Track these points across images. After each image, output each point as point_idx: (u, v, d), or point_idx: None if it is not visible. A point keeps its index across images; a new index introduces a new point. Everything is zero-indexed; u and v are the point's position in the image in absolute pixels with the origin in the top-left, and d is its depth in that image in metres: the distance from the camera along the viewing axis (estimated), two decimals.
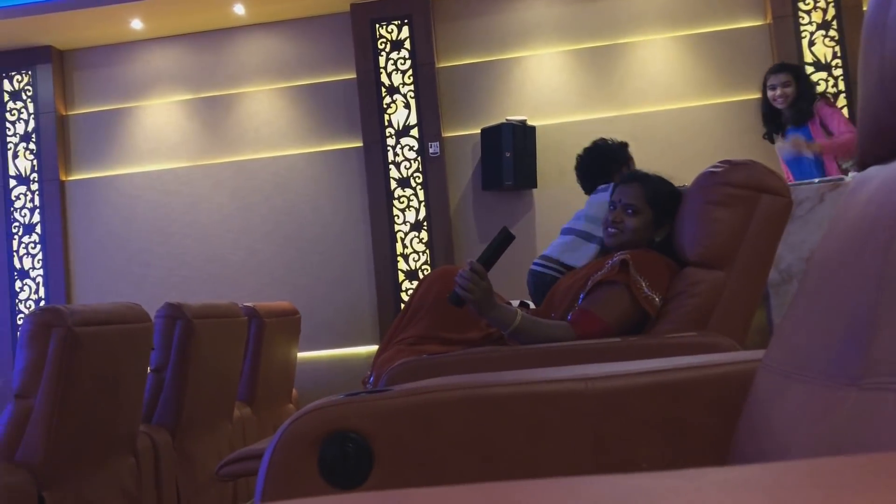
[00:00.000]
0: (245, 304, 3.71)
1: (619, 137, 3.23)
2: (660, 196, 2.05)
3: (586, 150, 3.16)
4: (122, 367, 2.45)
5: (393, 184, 4.73)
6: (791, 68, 3.96)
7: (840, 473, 0.30)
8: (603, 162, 3.08)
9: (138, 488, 2.54)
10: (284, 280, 4.86)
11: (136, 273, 4.98)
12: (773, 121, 3.95)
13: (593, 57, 4.75)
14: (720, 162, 1.98)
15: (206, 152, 5.01)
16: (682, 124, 4.64)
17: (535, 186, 4.63)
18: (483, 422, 0.91)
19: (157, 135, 5.05)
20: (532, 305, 2.53)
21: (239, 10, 4.78)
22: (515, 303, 2.30)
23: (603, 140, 3.16)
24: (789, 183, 3.50)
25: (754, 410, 0.81)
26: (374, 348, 4.66)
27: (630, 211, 2.03)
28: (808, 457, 0.61)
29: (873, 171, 0.76)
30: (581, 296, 1.96)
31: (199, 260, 4.95)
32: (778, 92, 3.82)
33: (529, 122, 4.63)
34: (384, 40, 4.78)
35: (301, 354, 4.61)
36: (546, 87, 4.77)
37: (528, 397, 0.92)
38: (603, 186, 2.97)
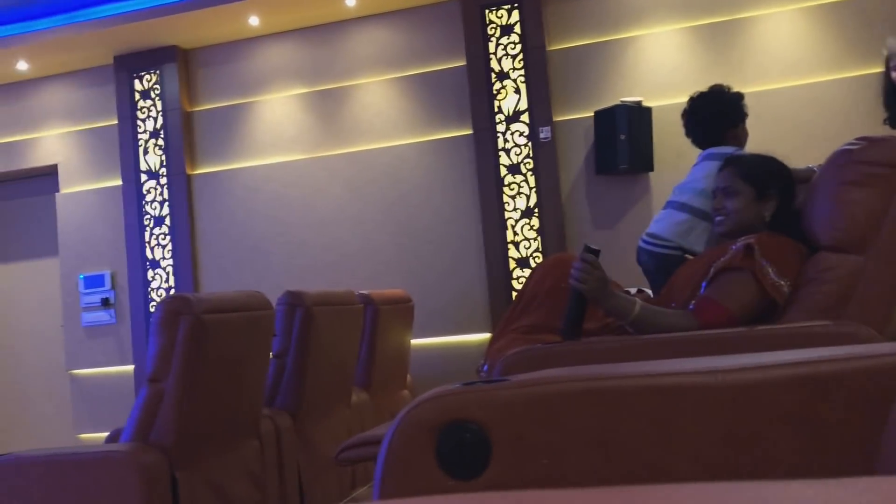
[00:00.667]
0: (360, 291, 3.79)
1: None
2: (755, 171, 1.98)
3: (701, 94, 3.00)
4: (246, 352, 2.55)
5: (503, 170, 4.70)
6: None
7: None
8: (717, 110, 2.92)
9: (262, 470, 2.63)
10: (398, 268, 4.92)
11: (257, 262, 5.17)
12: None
13: (711, 33, 4.55)
14: (857, 139, 1.84)
15: (321, 144, 5.13)
16: (809, 101, 4.38)
17: (652, 170, 4.49)
18: (605, 415, 0.88)
19: (276, 128, 5.22)
20: (649, 291, 2.45)
21: (350, 2, 4.86)
22: (633, 290, 2.23)
23: (719, 87, 3.00)
24: None
25: None
26: (486, 336, 4.66)
27: (728, 193, 1.98)
28: None
29: None
30: (703, 284, 1.88)
31: (316, 249, 5.08)
32: None
33: (645, 104, 4.49)
34: (493, 25, 4.75)
35: (414, 341, 4.67)
36: (662, 66, 4.61)
37: (653, 391, 0.88)
38: (709, 152, 2.83)
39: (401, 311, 4.22)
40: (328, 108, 5.13)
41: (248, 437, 2.63)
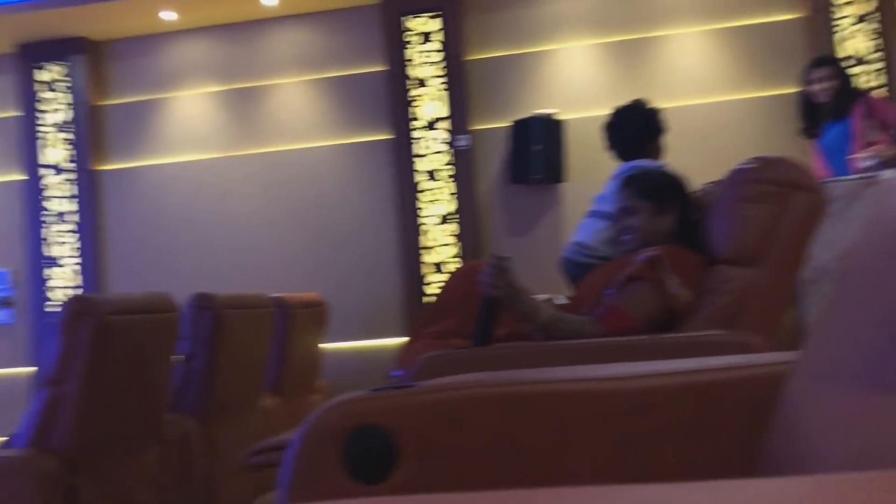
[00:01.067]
0: (273, 294, 3.74)
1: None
2: (650, 187, 2.09)
3: (624, 107, 3.08)
4: (152, 355, 2.48)
5: (421, 176, 4.73)
6: (833, 62, 3.88)
7: (881, 490, 0.29)
8: (641, 124, 3.01)
9: (166, 476, 2.57)
10: (313, 271, 4.88)
11: (167, 262, 5.04)
12: (812, 115, 3.87)
13: (624, 50, 4.70)
14: (752, 158, 1.95)
15: (236, 143, 5.04)
16: (715, 119, 4.58)
17: (564, 180, 4.60)
18: (509, 420, 0.91)
19: (189, 126, 5.10)
20: (558, 300, 2.51)
21: (271, 1, 4.80)
22: (542, 298, 2.29)
23: (639, 101, 3.08)
24: (823, 180, 3.44)
25: (786, 414, 0.79)
26: (400, 341, 4.67)
27: (629, 212, 2.08)
28: (844, 466, 0.60)
29: None
30: (609, 291, 1.95)
31: (229, 250, 4.99)
32: (821, 86, 3.75)
33: (559, 116, 4.60)
34: (414, 32, 4.77)
35: (328, 345, 4.64)
36: (576, 80, 4.73)
37: (556, 396, 0.91)
38: (621, 169, 2.92)
39: (314, 315, 4.19)
40: (244, 107, 5.05)
41: (152, 442, 2.56)
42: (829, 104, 3.77)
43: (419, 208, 4.72)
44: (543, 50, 4.77)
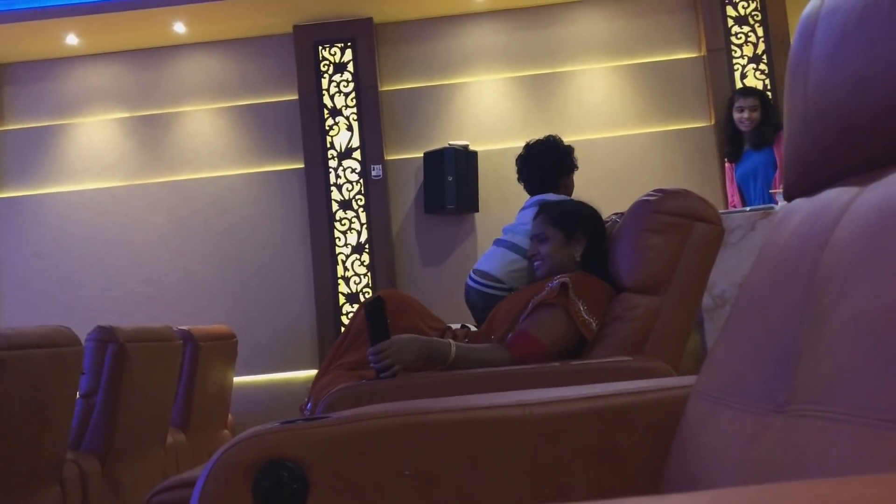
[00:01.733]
0: (180, 327, 3.63)
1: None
2: (562, 216, 2.15)
3: (538, 142, 3.13)
4: (50, 392, 2.37)
5: (335, 206, 4.71)
6: (758, 93, 4.07)
7: (766, 502, 0.31)
8: (554, 160, 3.05)
9: None
10: (222, 302, 4.77)
11: (67, 295, 4.82)
12: (735, 142, 4.05)
13: (534, 84, 4.83)
14: (654, 191, 2.03)
15: (142, 172, 4.91)
16: (620, 152, 4.75)
17: (477, 210, 4.66)
18: (421, 449, 0.91)
19: (92, 153, 4.93)
20: (472, 327, 2.53)
21: (179, 28, 4.72)
22: (457, 326, 2.30)
23: (554, 137, 3.14)
24: (720, 211, 3.59)
25: (685, 436, 0.82)
26: (313, 372, 4.60)
27: (541, 240, 2.13)
28: (736, 483, 0.63)
29: (799, 203, 0.79)
30: (521, 318, 1.98)
31: (133, 282, 4.83)
32: (745, 115, 3.92)
33: (471, 147, 4.67)
34: (327, 62, 4.78)
35: (238, 379, 4.52)
36: (488, 112, 4.83)
37: (466, 424, 0.92)
38: (530, 201, 2.97)
39: (223, 348, 4.08)
40: (151, 135, 4.93)
41: (49, 483, 2.43)
42: (751, 133, 3.95)
43: (336, 238, 4.69)
44: (456, 82, 4.85)
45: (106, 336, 2.80)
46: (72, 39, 4.74)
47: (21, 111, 4.98)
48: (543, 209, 2.21)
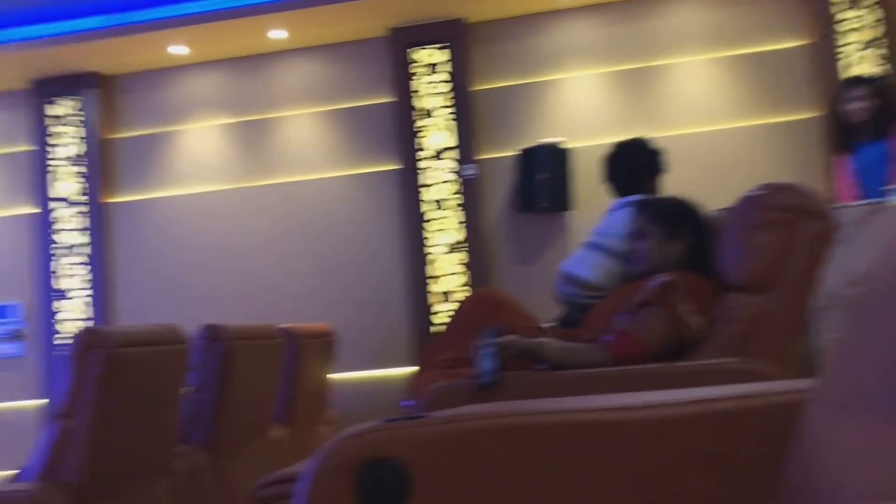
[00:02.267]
0: (282, 325, 3.74)
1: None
2: (664, 212, 2.09)
3: (626, 143, 3.06)
4: (161, 387, 2.48)
5: (428, 206, 4.74)
6: (870, 81, 3.79)
7: None
8: (642, 161, 2.98)
9: None
10: (321, 301, 4.88)
11: (177, 294, 5.05)
12: (845, 135, 3.79)
13: (630, 78, 4.73)
14: (760, 185, 1.95)
15: (245, 175, 5.08)
16: (721, 147, 4.59)
17: (570, 209, 4.61)
18: (523, 451, 0.90)
19: (198, 158, 5.14)
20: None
21: (279, 35, 4.86)
22: (549, 324, 2.28)
23: (641, 140, 3.07)
24: (850, 200, 3.40)
25: (806, 443, 0.79)
26: (408, 370, 4.65)
27: (641, 236, 2.08)
28: (863, 496, 0.59)
29: None
30: (619, 316, 1.94)
31: (237, 281, 5.00)
32: (857, 105, 3.68)
33: (565, 145, 4.62)
34: (421, 64, 4.82)
35: (337, 376, 4.62)
36: (582, 109, 4.76)
37: (569, 426, 0.90)
38: (624, 201, 2.88)
39: (322, 345, 4.18)
40: (253, 139, 5.09)
41: (161, 474, 2.55)
42: (866, 124, 3.69)
43: (426, 238, 4.73)
44: (549, 79, 4.80)
45: (213, 334, 2.91)
46: (177, 50, 4.95)
47: (133, 120, 5.24)
48: (644, 206, 2.16)
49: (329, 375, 4.34)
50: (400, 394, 4.54)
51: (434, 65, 4.81)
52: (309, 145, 5.03)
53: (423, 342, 4.60)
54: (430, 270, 4.71)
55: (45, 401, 5.04)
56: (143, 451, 2.43)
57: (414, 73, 4.81)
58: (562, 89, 4.80)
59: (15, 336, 5.15)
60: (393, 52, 4.86)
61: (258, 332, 3.24)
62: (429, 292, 4.70)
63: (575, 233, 4.61)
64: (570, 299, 2.79)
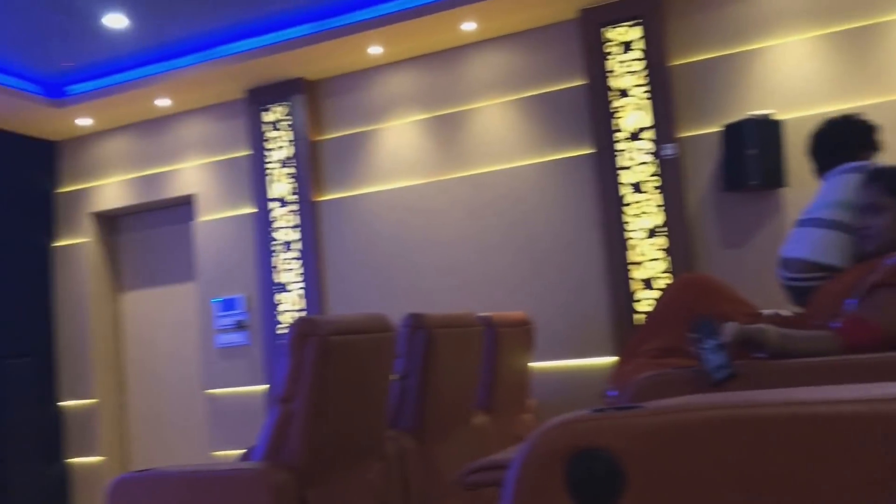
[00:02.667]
0: (481, 314, 3.78)
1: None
2: None
3: (830, 121, 2.81)
4: (371, 373, 2.58)
5: (626, 189, 4.60)
6: None
7: None
8: (846, 139, 2.71)
9: (388, 491, 2.65)
10: (518, 290, 4.89)
11: (380, 284, 5.27)
12: None
13: (845, 41, 4.30)
14: None
15: (440, 168, 5.19)
16: None
17: (784, 185, 4.27)
18: (748, 447, 0.82)
19: (396, 154, 5.32)
20: (784, 312, 2.30)
21: (470, 27, 4.91)
22: (769, 312, 2.11)
23: (853, 116, 2.80)
24: None
25: None
26: (608, 360, 4.54)
27: (874, 210, 1.85)
28: None
29: None
30: (850, 301, 1.75)
31: (437, 271, 5.13)
32: None
33: (775, 117, 4.29)
34: (614, 43, 4.67)
35: (535, 364, 4.61)
36: (793, 77, 4.40)
37: (802, 420, 0.81)
38: (845, 167, 2.61)
39: (521, 334, 4.19)
40: (447, 133, 5.19)
41: (373, 457, 2.66)
42: None
43: (625, 223, 4.58)
44: (754, 48, 4.48)
45: (417, 322, 2.99)
46: (375, 50, 5.15)
47: (336, 121, 5.53)
48: (878, 176, 1.93)
49: (528, 364, 4.34)
50: (601, 383, 4.45)
51: (628, 43, 4.65)
52: (502, 135, 5.05)
53: (625, 331, 4.48)
54: (630, 256, 4.57)
55: (268, 387, 5.46)
56: (356, 435, 2.54)
57: (608, 53, 4.67)
58: (767, 58, 4.46)
59: (240, 326, 5.63)
60: (584, 34, 4.75)
61: (459, 320, 3.30)
62: (630, 279, 4.56)
63: (790, 210, 4.27)
64: (792, 284, 2.58)
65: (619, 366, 2.07)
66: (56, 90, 5.66)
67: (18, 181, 6.13)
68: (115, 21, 4.73)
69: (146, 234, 6.35)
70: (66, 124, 6.04)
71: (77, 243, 6.28)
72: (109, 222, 6.41)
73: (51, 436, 6.08)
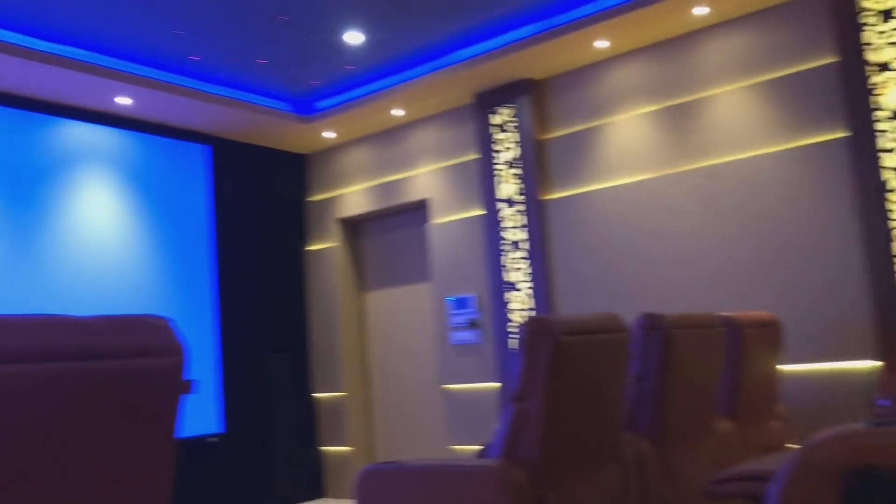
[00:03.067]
0: (721, 313, 3.57)
1: None
2: None
3: None
4: (605, 374, 2.52)
5: (889, 174, 4.11)
6: None
7: None
8: None
9: (625, 497, 2.58)
10: (761, 288, 4.56)
11: (611, 283, 5.16)
12: None
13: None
14: None
15: (673, 161, 4.98)
16: None
17: None
18: None
19: (625, 149, 5.18)
20: None
21: (702, 11, 4.66)
22: None
23: None
24: None
25: None
26: (870, 364, 4.09)
27: None
28: None
29: None
30: None
31: (670, 269, 4.93)
32: None
33: None
34: (871, 13, 4.20)
35: (785, 368, 4.27)
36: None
37: None
38: None
39: (767, 335, 3.89)
40: (679, 124, 4.97)
41: (609, 461, 2.59)
42: None
43: (889, 211, 4.10)
44: None
45: (653, 322, 2.88)
46: (601, 44, 5.05)
47: (562, 119, 5.49)
48: None
49: (777, 368, 4.03)
50: (864, 390, 4.01)
51: (888, 11, 4.16)
52: (740, 122, 4.73)
53: (890, 332, 4.01)
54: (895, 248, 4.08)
55: (500, 384, 5.55)
56: (592, 436, 2.49)
57: (864, 24, 4.21)
58: None
59: (472, 325, 5.77)
60: (837, 6, 4.32)
61: (698, 320, 3.13)
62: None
63: None
64: None
65: (887, 372, 1.85)
66: (305, 107, 6.17)
67: (275, 192, 6.76)
68: (353, 38, 5.05)
69: (385, 238, 6.72)
70: (313, 138, 6.57)
71: (326, 247, 6.80)
72: (353, 227, 6.87)
73: (307, 425, 6.64)
